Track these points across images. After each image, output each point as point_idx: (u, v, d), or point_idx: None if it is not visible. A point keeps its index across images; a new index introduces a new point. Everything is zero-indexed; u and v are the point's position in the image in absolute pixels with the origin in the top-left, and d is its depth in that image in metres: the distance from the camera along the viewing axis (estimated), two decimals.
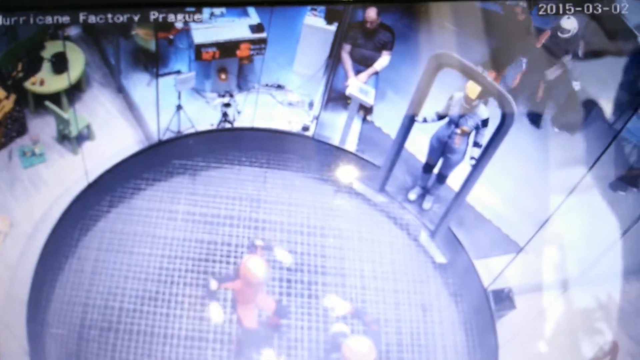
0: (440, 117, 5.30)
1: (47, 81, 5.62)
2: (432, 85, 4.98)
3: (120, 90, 5.96)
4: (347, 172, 6.23)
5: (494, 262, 5.56)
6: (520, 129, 6.52)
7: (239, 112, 5.94)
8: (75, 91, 5.87)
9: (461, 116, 5.13)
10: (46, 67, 5.73)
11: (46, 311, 4.96)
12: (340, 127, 5.91)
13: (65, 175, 5.42)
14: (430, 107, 5.18)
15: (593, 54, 6.36)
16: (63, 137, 5.55)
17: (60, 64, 5.66)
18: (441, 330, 5.59)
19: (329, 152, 6.05)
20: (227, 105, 5.72)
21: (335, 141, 6.02)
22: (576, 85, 6.05)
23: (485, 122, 5.17)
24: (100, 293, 5.06)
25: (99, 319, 4.95)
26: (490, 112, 5.21)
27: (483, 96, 5.02)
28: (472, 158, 5.16)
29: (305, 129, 5.97)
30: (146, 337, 4.92)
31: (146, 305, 5.06)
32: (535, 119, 6.58)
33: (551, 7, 5.56)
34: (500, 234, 5.88)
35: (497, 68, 6.18)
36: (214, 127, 5.82)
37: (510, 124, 4.78)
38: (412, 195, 5.85)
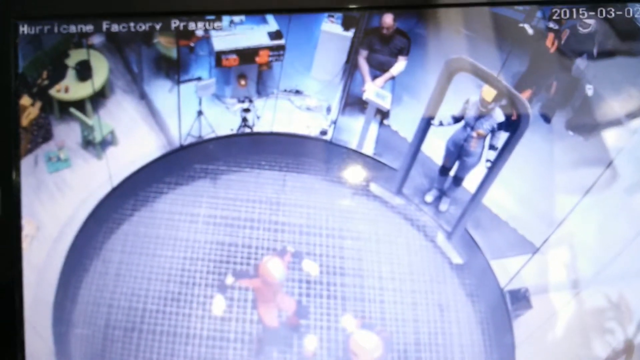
0: (457, 120, 5.31)
1: (71, 88, 5.68)
2: (448, 89, 5.00)
3: (143, 96, 5.95)
4: (364, 175, 6.15)
5: (510, 263, 5.53)
6: (535, 131, 6.55)
7: (258, 117, 5.94)
8: (99, 98, 5.89)
9: (477, 119, 5.13)
10: (71, 74, 5.78)
11: (72, 312, 5.02)
12: (357, 131, 5.90)
13: (89, 179, 5.44)
14: (446, 110, 5.19)
15: (606, 54, 6.34)
16: (87, 143, 5.61)
17: (84, 72, 5.70)
18: (458, 330, 5.60)
19: (347, 156, 5.98)
20: (247, 110, 5.72)
21: (353, 145, 5.98)
22: (589, 90, 6.05)
23: (501, 125, 5.15)
24: (124, 294, 5.13)
25: (123, 319, 5.02)
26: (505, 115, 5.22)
27: (498, 99, 5.00)
28: (487, 160, 5.17)
29: (323, 133, 5.95)
30: (169, 337, 4.97)
31: (169, 306, 5.11)
32: (546, 115, 6.57)
33: (564, 12, 5.56)
34: (516, 235, 5.82)
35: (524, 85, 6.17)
36: (234, 132, 5.84)
37: (526, 127, 4.80)
38: (429, 198, 5.83)
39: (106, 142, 5.71)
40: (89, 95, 5.68)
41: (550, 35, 5.91)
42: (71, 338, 4.95)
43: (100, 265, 5.34)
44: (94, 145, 5.61)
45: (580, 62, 6.22)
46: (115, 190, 5.49)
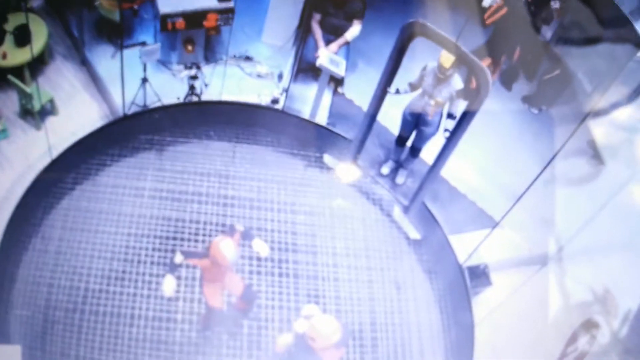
0: (414, 88, 5.02)
1: (9, 54, 5.31)
2: (405, 55, 4.63)
3: (84, 63, 5.68)
4: (317, 146, 6.05)
5: (469, 238, 5.36)
6: (495, 101, 6.33)
7: (206, 85, 5.71)
8: (38, 64, 5.60)
9: (435, 87, 4.84)
10: (9, 40, 5.41)
11: (10, 292, 4.73)
12: (310, 100, 5.66)
13: (28, 151, 5.16)
14: (403, 78, 4.88)
15: (588, 40, 6.17)
16: (26, 112, 5.27)
17: (23, 37, 5.34)
18: (415, 308, 5.47)
19: (299, 126, 5.84)
20: (194, 77, 5.43)
21: (306, 114, 5.81)
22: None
23: (459, 93, 4.86)
24: (65, 273, 4.86)
25: (64, 299, 4.75)
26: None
27: (457, 65, 4.72)
28: (446, 130, 4.87)
29: (275, 101, 5.73)
30: (113, 318, 4.73)
31: (112, 285, 4.86)
32: (507, 83, 6.40)
33: None
34: (476, 209, 5.76)
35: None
36: (181, 100, 5.57)
37: (485, 95, 4.44)
38: (385, 170, 5.62)
39: (45, 112, 5.37)
40: (27, 61, 5.30)
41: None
42: (10, 319, 4.65)
43: (39, 242, 5.04)
44: (33, 114, 5.25)
45: (546, 30, 5.98)
46: (55, 163, 5.16)
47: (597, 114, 5.53)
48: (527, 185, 4.45)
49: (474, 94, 4.57)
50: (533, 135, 5.98)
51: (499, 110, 6.08)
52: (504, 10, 5.62)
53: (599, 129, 5.65)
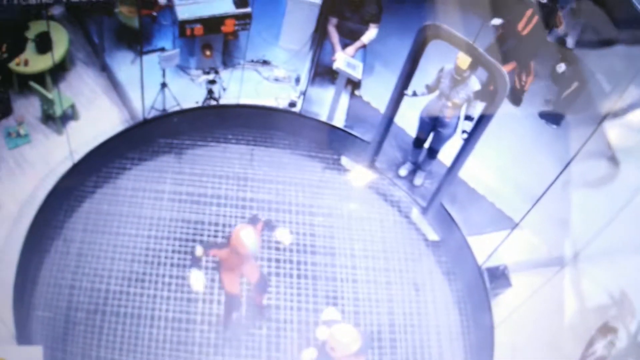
0: (431, 90, 5.05)
1: (31, 61, 5.43)
2: (422, 57, 4.68)
3: (104, 69, 5.79)
4: (335, 148, 6.08)
5: (488, 239, 5.33)
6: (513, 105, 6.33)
7: (224, 89, 5.76)
8: (59, 71, 5.71)
9: (452, 88, 4.87)
10: (30, 47, 5.55)
11: (32, 294, 4.79)
12: (327, 103, 5.70)
13: (50, 155, 5.25)
14: (420, 80, 4.93)
15: (603, 43, 6.15)
16: (47, 118, 5.37)
17: (44, 44, 5.47)
18: (434, 310, 5.46)
19: (317, 128, 5.87)
20: (213, 82, 5.50)
21: (323, 117, 5.84)
22: (560, 68, 5.87)
23: (476, 94, 4.88)
24: (86, 275, 4.91)
25: (86, 301, 4.80)
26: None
27: (474, 67, 4.73)
28: (464, 132, 4.89)
29: (292, 105, 5.77)
30: (133, 319, 4.76)
31: (133, 287, 4.90)
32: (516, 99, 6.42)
33: None
34: (494, 210, 5.74)
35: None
36: (199, 104, 5.63)
37: (503, 96, 4.46)
38: (403, 171, 5.64)
39: (67, 117, 5.47)
40: (48, 67, 5.43)
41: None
42: (32, 320, 4.71)
43: (61, 244, 5.11)
44: (54, 119, 5.36)
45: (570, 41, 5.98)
46: (76, 167, 5.23)
47: (615, 115, 5.50)
48: (546, 187, 4.42)
49: (491, 96, 4.60)
50: (551, 136, 5.97)
51: (517, 112, 6.07)
52: (535, 19, 5.64)
53: (614, 131, 5.63)
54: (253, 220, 4.31)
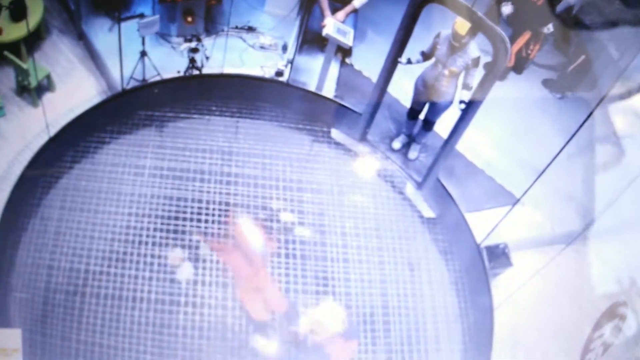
0: (426, 57, 4.89)
1: (5, 30, 5.27)
2: (416, 22, 4.54)
3: (81, 37, 5.65)
4: (324, 120, 5.96)
5: (487, 216, 5.24)
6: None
7: (207, 58, 5.65)
8: (34, 40, 5.55)
9: (449, 56, 4.71)
10: (4, 15, 5.36)
11: (9, 274, 4.70)
12: (316, 72, 5.56)
13: (25, 129, 5.13)
14: (415, 47, 4.78)
15: (610, 23, 5.97)
16: (22, 89, 5.24)
17: (18, 11, 5.30)
18: (430, 291, 5.36)
19: (305, 99, 5.75)
20: (195, 50, 5.38)
21: (312, 87, 5.72)
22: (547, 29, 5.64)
23: (475, 62, 4.73)
24: (64, 255, 4.81)
25: (65, 282, 4.71)
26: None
27: (473, 33, 4.55)
28: (461, 102, 4.71)
29: (279, 74, 5.64)
30: (114, 300, 4.68)
31: (113, 267, 4.81)
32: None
33: None
34: (494, 185, 5.64)
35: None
36: (181, 74, 5.50)
37: (504, 64, 4.30)
38: (397, 144, 5.50)
39: (42, 88, 5.33)
40: (23, 36, 5.24)
41: None
42: (10, 302, 4.62)
43: (38, 223, 5.00)
44: (29, 91, 5.22)
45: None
46: (52, 141, 5.12)
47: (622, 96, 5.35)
48: (550, 159, 4.30)
49: (491, 63, 4.43)
50: (555, 106, 5.85)
51: (519, 80, 5.91)
52: None
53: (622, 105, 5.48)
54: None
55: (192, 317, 4.69)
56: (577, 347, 4.82)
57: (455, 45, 4.64)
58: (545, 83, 6.05)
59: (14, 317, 4.62)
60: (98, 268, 4.82)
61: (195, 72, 5.46)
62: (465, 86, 4.82)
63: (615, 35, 5.57)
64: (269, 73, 5.58)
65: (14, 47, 5.30)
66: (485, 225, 5.07)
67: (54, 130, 5.08)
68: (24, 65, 5.10)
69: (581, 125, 4.31)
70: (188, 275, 4.27)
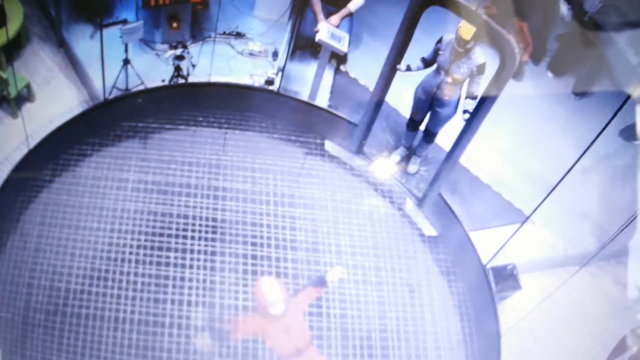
0: (427, 64, 5.39)
1: None
2: (417, 26, 4.95)
3: (62, 44, 6.44)
4: (318, 131, 6.33)
5: (493, 234, 5.66)
6: (524, 77, 6.33)
7: (193, 66, 6.23)
8: (14, 47, 6.27)
9: (452, 62, 5.18)
10: None
11: None
12: (309, 80, 6.06)
13: (4, 141, 5.83)
14: (415, 53, 5.22)
15: (629, 24, 6.21)
16: (1, 99, 6.09)
17: None
18: (432, 315, 5.75)
19: (297, 109, 6.18)
20: (180, 57, 6.00)
21: (304, 96, 6.20)
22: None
23: (480, 69, 5.21)
24: (44, 272, 5.37)
25: (45, 301, 5.28)
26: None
27: (478, 37, 5.11)
28: (465, 112, 5.22)
29: (270, 82, 6.21)
30: (95, 321, 5.15)
31: (95, 285, 5.28)
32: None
33: None
34: (501, 201, 6.07)
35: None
36: (166, 83, 6.10)
37: (512, 70, 4.74)
38: (395, 157, 5.99)
39: (22, 98, 6.17)
40: (2, 44, 5.94)
41: None
42: None
43: (17, 239, 5.57)
44: (9, 101, 6.05)
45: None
46: (32, 153, 5.71)
47: None
48: (563, 173, 4.61)
49: (498, 70, 4.69)
50: (567, 116, 6.32)
51: (527, 88, 6.10)
52: None
53: None
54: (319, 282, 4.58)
55: (178, 339, 5.12)
56: None
57: (459, 50, 5.14)
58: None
59: None
60: (79, 287, 5.28)
61: (181, 80, 6.03)
62: (470, 95, 5.38)
63: (635, 39, 5.73)
64: (258, 81, 6.10)
65: None
66: (491, 244, 5.44)
67: (33, 142, 5.67)
68: (4, 75, 5.82)
69: (597, 136, 4.53)
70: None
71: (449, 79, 5.19)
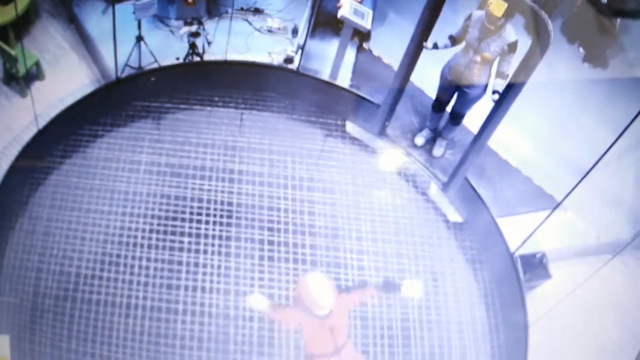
0: (455, 41, 5.14)
1: None
2: (445, 1, 4.76)
3: (72, 20, 6.21)
4: (339, 112, 6.29)
5: (522, 221, 5.48)
6: (557, 56, 6.13)
7: (209, 43, 6.07)
8: (23, 24, 6.08)
9: (482, 40, 4.91)
10: None
11: None
12: (330, 58, 5.90)
13: (13, 121, 5.65)
14: (442, 30, 5.03)
15: None
16: (10, 77, 5.90)
17: None
18: (456, 304, 5.61)
19: (317, 89, 6.07)
20: (196, 34, 5.77)
21: (325, 75, 6.06)
22: None
23: (512, 47, 4.94)
24: (54, 257, 5.23)
25: (54, 286, 5.13)
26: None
27: (510, 14, 4.78)
28: (495, 92, 4.97)
29: (289, 60, 6.04)
30: (107, 307, 5.02)
31: (106, 271, 5.17)
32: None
33: None
34: (531, 186, 5.91)
35: None
36: (181, 61, 5.93)
37: (546, 49, 4.49)
38: (420, 140, 5.82)
39: (31, 76, 5.98)
40: (11, 20, 5.78)
41: None
42: None
43: (27, 222, 5.46)
44: (17, 79, 5.84)
45: None
46: (42, 134, 5.59)
47: None
48: (597, 158, 4.42)
49: (530, 49, 4.58)
50: (602, 97, 6.18)
51: (562, 67, 5.89)
52: None
53: None
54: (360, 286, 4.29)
55: (191, 326, 5.01)
56: None
57: (490, 28, 4.87)
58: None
59: (1, 323, 5.08)
60: (90, 272, 5.17)
61: (196, 58, 5.85)
62: (500, 74, 5.15)
63: None
64: (277, 60, 5.94)
65: (1, 32, 5.82)
66: (520, 231, 5.29)
67: (43, 122, 5.54)
68: (12, 52, 5.65)
69: (635, 118, 4.36)
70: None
71: (478, 58, 4.99)
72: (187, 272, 5.17)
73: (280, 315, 4.31)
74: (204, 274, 5.10)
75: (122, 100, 5.82)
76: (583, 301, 5.12)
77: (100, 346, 4.87)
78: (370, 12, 5.53)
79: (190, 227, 5.40)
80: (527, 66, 4.64)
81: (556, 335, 5.15)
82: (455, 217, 5.61)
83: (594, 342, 5.15)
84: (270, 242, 5.41)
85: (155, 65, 5.80)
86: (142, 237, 5.35)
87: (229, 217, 5.41)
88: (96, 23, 5.98)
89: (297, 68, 5.92)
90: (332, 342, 4.11)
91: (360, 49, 6.18)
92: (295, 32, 6.17)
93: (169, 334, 4.98)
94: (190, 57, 5.85)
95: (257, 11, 6.26)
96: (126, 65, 5.73)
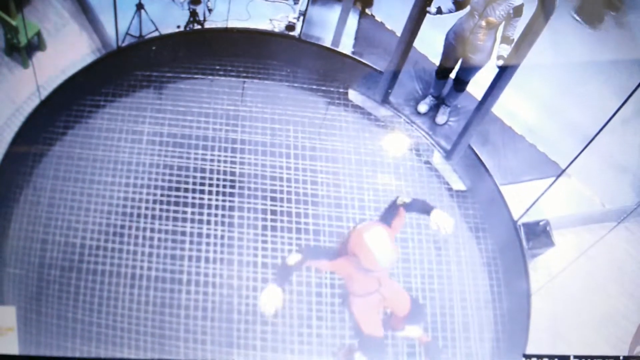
0: (460, 6, 4.99)
1: None
2: None
3: None
4: (341, 80, 6.16)
5: (526, 189, 5.42)
6: (562, 20, 6.06)
7: (210, 10, 5.90)
8: None
9: (487, 4, 4.76)
10: None
11: (2, 249, 5.15)
12: (332, 25, 5.76)
13: (15, 92, 5.55)
14: None
15: None
16: (11, 48, 5.70)
17: None
18: (459, 273, 5.55)
19: (320, 56, 5.96)
20: (196, 2, 5.61)
21: (327, 42, 5.92)
22: None
23: (518, 10, 4.79)
24: (59, 228, 5.20)
25: (60, 257, 5.10)
26: None
27: None
28: (499, 57, 4.85)
29: (290, 27, 5.89)
30: (112, 277, 5.03)
31: (110, 241, 5.14)
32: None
33: None
34: (535, 153, 5.82)
35: None
36: (181, 29, 5.80)
37: (551, 12, 4.38)
38: (423, 107, 5.69)
39: (32, 47, 5.80)
40: None
41: None
42: (3, 278, 5.05)
43: (31, 194, 5.45)
44: (19, 50, 5.68)
45: None
46: (44, 104, 5.49)
47: None
48: (602, 124, 4.32)
49: (536, 11, 4.48)
50: (608, 64, 6.01)
51: (568, 32, 5.77)
52: None
53: None
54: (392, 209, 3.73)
55: (195, 296, 5.00)
56: (626, 339, 4.94)
57: None
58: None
59: (7, 294, 5.12)
60: (94, 242, 5.15)
61: (197, 26, 5.74)
62: (505, 39, 4.98)
63: None
64: (278, 27, 5.83)
65: (1, 2, 5.64)
66: (523, 199, 5.26)
67: (45, 93, 5.45)
68: (13, 22, 5.49)
69: (639, 85, 4.27)
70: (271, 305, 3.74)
71: (484, 23, 4.84)
72: (191, 242, 5.14)
73: (324, 265, 3.70)
74: (208, 244, 5.08)
75: (124, 70, 5.73)
76: (587, 269, 5.12)
77: (105, 316, 4.87)
78: None
79: (194, 198, 5.35)
80: (531, 31, 4.50)
81: (559, 304, 5.11)
82: (458, 185, 5.53)
83: (597, 310, 5.09)
84: (273, 212, 5.38)
85: (155, 34, 5.70)
86: (146, 208, 5.31)
87: (232, 187, 5.37)
88: None
89: (299, 35, 5.82)
90: (376, 280, 3.75)
91: (362, 14, 6.06)
92: None
93: (173, 304, 4.97)
94: (191, 25, 5.74)
95: None
96: (127, 34, 5.63)
